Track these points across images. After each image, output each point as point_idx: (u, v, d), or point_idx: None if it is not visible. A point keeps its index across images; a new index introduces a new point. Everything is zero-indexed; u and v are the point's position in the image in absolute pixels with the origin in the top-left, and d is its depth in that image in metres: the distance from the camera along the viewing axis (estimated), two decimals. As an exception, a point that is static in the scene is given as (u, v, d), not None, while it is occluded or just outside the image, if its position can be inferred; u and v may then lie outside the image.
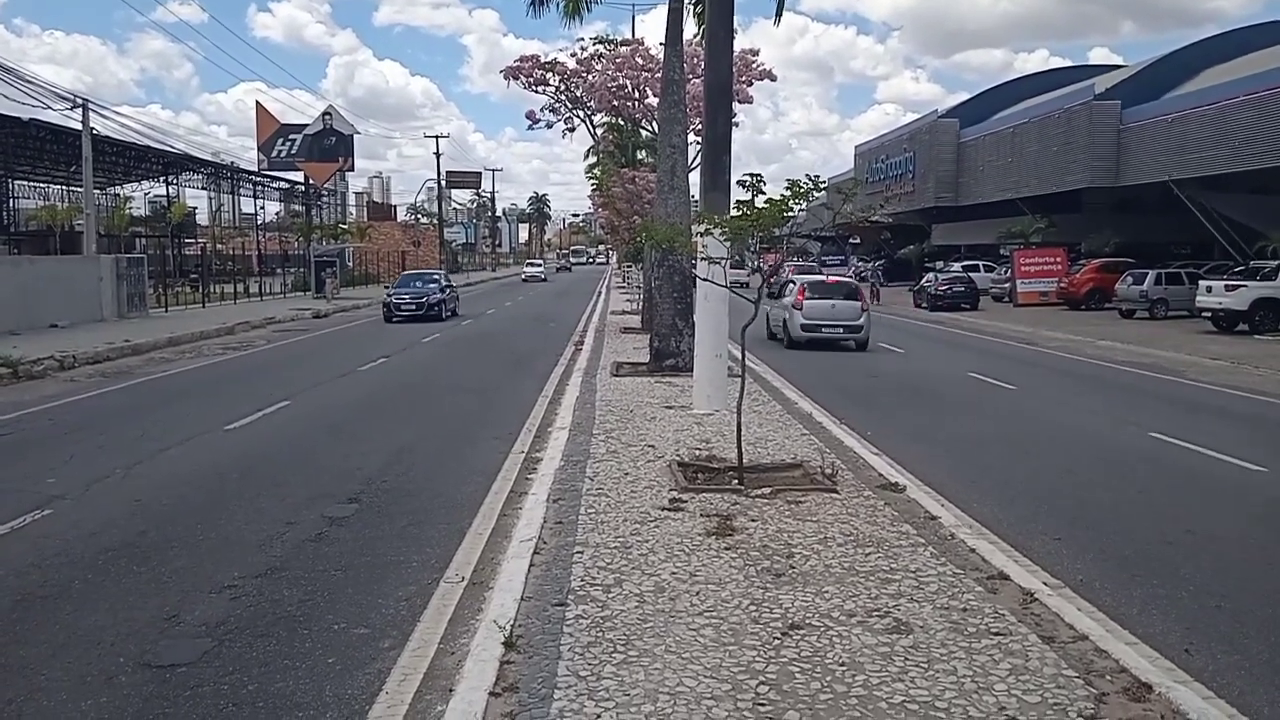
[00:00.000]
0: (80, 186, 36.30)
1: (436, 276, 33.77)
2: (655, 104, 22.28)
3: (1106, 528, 7.69)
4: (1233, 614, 5.81)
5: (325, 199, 67.64)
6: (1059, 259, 39.03)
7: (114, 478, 9.25)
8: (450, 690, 4.50)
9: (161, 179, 48.59)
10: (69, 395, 14.98)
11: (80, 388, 15.84)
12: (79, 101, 30.55)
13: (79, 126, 30.84)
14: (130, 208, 57.24)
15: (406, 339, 24.10)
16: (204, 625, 5.54)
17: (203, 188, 52.18)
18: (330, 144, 53.85)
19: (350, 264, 58.57)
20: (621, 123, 29.74)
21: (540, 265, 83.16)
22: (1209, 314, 26.50)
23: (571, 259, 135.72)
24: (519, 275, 78.36)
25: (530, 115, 28.48)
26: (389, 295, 31.05)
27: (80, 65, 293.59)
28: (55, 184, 48.80)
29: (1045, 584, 5.87)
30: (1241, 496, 8.93)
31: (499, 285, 64.95)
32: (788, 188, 8.28)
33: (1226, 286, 26.36)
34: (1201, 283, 27.87)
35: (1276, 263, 25.98)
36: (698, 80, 19.10)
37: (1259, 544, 7.39)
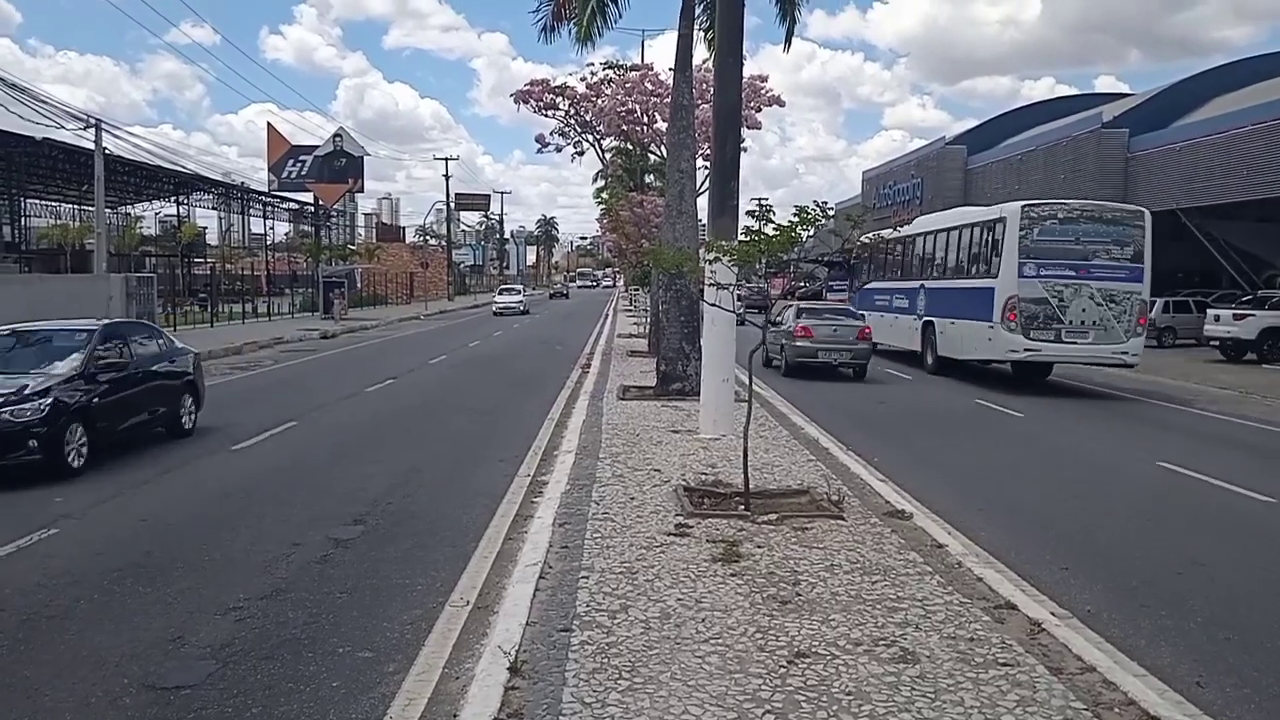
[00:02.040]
0: (92, 205, 36.55)
1: (68, 337, 11.63)
2: (664, 129, 22.39)
3: (1115, 557, 7.65)
4: (1242, 646, 5.77)
5: (334, 220, 67.92)
6: (1066, 286, 38.96)
7: (121, 497, 9.26)
8: (454, 716, 4.49)
9: (172, 199, 48.99)
10: (77, 414, 14.97)
11: (88, 406, 15.84)
12: (92, 121, 30.84)
13: (91, 146, 31.12)
14: (141, 227, 57.73)
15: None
16: (209, 647, 5.53)
17: (213, 208, 52.63)
18: (340, 165, 54.14)
19: (359, 285, 58.79)
20: (630, 147, 29.86)
21: (518, 292, 59.00)
22: (1217, 343, 26.47)
23: (578, 280, 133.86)
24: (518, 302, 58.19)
25: (540, 139, 28.69)
26: None
27: (93, 85, 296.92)
28: (67, 203, 49.24)
29: (1053, 614, 5.84)
30: (1251, 527, 8.88)
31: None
32: (795, 214, 8.29)
33: (1234, 315, 26.33)
34: (1209, 311, 27.85)
35: (1285, 292, 25.98)
36: (706, 105, 19.19)
37: (1268, 575, 7.34)
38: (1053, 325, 18.20)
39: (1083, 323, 18.34)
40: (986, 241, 18.58)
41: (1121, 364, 19.19)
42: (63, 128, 29.59)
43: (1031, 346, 18.29)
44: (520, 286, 66.90)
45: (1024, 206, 17.63)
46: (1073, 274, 18.22)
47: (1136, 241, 18.53)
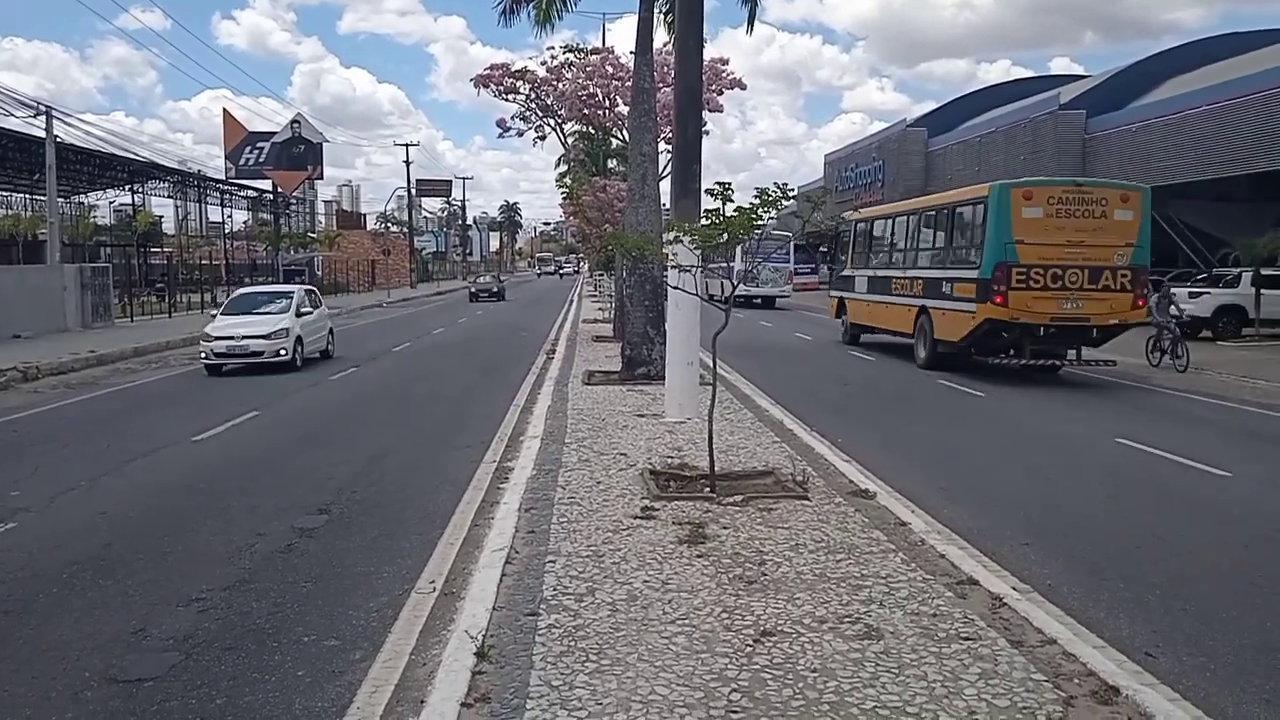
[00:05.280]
0: (44, 195, 35.84)
1: None
2: (626, 112, 22.34)
3: (1075, 532, 7.77)
4: (1198, 617, 5.89)
5: (294, 207, 67.15)
6: (1026, 266, 39.47)
7: (79, 490, 9.13)
8: (422, 702, 4.48)
9: (127, 187, 48.10)
10: (33, 407, 14.78)
11: (44, 399, 15.63)
12: (42, 109, 30.23)
13: (42, 134, 30.49)
14: (95, 217, 56.70)
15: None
16: (171, 639, 5.47)
17: (169, 196, 51.81)
18: (299, 152, 53.55)
19: (319, 273, 58.21)
20: (592, 131, 29.76)
21: (271, 303, 20.48)
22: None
23: (538, 267, 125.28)
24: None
25: (501, 123, 28.54)
26: None
27: (42, 72, 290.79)
28: (18, 193, 48.20)
29: (1014, 589, 5.92)
30: (1207, 501, 9.05)
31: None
32: (757, 196, 8.33)
33: (1190, 293, 26.75)
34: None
35: (1238, 270, 26.42)
36: (668, 89, 19.20)
37: (1224, 547, 7.49)
38: (754, 280, 38.54)
39: (765, 280, 40.88)
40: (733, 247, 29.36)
41: (782, 295, 43.26)
42: (11, 115, 29.04)
43: (745, 290, 37.05)
44: (294, 291, 21.50)
45: None
46: (763, 258, 35.50)
47: (787, 246, 42.44)
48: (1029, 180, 19.52)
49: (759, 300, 42.10)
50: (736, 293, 21.96)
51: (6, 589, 6.35)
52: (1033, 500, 8.88)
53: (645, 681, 4.54)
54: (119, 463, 10.40)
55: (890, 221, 23.11)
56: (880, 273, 22.55)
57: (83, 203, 53.76)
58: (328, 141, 56.08)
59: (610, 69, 24.86)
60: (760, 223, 8.52)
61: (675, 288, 11.22)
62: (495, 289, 55.89)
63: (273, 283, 49.26)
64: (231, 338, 18.90)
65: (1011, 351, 17.98)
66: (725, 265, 17.44)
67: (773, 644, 4.98)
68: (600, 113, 26.05)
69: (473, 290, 56.71)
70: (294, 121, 54.67)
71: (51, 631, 5.61)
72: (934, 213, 20.89)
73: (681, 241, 9.64)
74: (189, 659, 5.19)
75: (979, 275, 17.25)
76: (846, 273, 25.18)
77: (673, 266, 10.74)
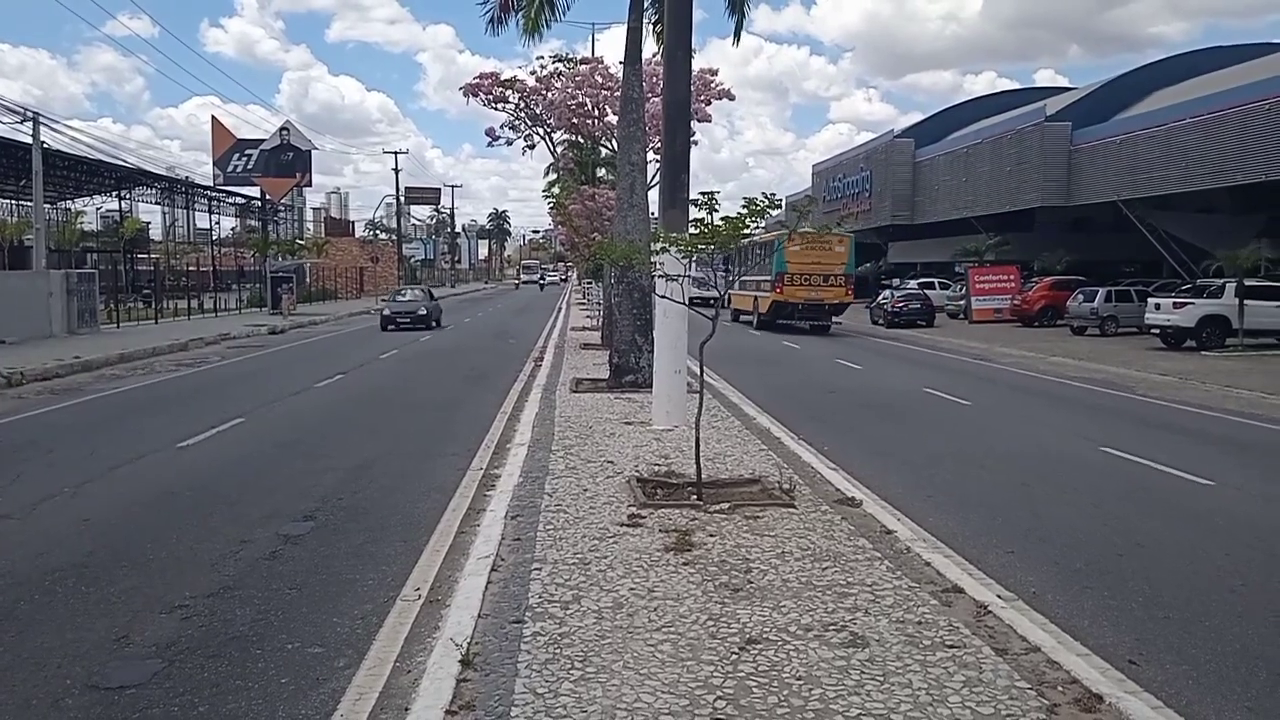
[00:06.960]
0: (30, 201, 35.66)
1: None
2: (615, 122, 22.36)
3: (1059, 541, 7.80)
4: (1181, 625, 5.92)
5: (282, 214, 66.95)
6: (1012, 277, 39.67)
7: (62, 496, 9.07)
8: (406, 709, 4.46)
9: (114, 193, 47.87)
10: (16, 413, 14.67)
11: (28, 405, 15.53)
12: (29, 115, 30.11)
13: (29, 140, 30.36)
14: (82, 223, 56.40)
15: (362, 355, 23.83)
16: (154, 646, 5.44)
17: (156, 202, 51.47)
18: (287, 159, 53.28)
19: (307, 280, 58.06)
20: (581, 140, 29.76)
21: None
22: (1157, 331, 27.08)
23: (523, 275, 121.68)
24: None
25: (490, 132, 28.43)
26: None
27: (29, 78, 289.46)
28: (4, 198, 47.93)
29: (999, 596, 5.95)
30: (1190, 509, 9.09)
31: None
32: (744, 206, 8.36)
33: (1174, 304, 26.93)
34: (1150, 300, 28.46)
35: (1222, 281, 26.63)
36: (657, 99, 19.19)
37: (1206, 556, 7.52)
38: (707, 285, 39.08)
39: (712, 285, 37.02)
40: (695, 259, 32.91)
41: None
42: (-2, 121, 28.88)
43: (701, 292, 36.66)
44: None
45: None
46: (725, 269, 32.54)
47: (719, 261, 35.42)
48: (793, 231, 31.05)
49: (714, 301, 45.54)
50: (694, 294, 24.32)
51: (-12, 596, 6.29)
52: (1018, 508, 8.90)
53: (630, 689, 4.53)
54: (103, 469, 10.33)
55: (750, 246, 34.48)
56: (744, 277, 35.80)
57: (69, 209, 53.48)
58: (316, 149, 55.85)
59: (599, 79, 24.86)
60: (748, 232, 8.55)
61: (663, 296, 11.25)
62: (423, 312, 34.92)
63: (261, 289, 49.18)
64: None
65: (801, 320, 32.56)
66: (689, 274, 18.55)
67: (758, 652, 4.98)
68: (589, 122, 26.04)
69: (385, 313, 35.81)
70: (282, 129, 54.43)
71: (32, 639, 5.57)
72: (760, 245, 33.01)
73: (669, 251, 9.65)
74: (171, 666, 5.16)
75: (771, 278, 32.59)
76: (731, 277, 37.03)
77: (660, 275, 10.76)
